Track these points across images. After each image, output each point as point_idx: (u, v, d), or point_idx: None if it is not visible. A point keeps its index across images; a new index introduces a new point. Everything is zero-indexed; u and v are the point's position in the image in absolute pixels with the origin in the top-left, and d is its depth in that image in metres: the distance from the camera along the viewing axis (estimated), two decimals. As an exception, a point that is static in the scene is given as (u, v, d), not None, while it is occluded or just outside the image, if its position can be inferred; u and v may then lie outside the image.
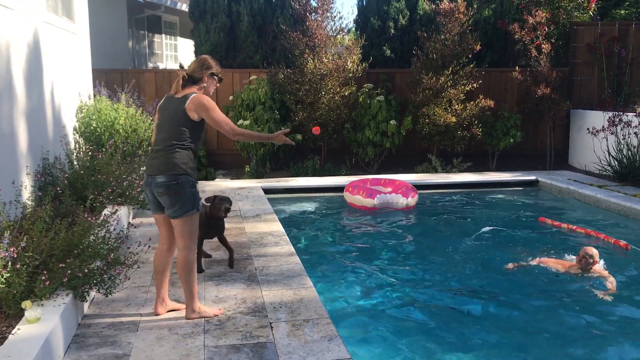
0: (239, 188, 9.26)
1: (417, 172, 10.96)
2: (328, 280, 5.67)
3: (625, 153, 9.79)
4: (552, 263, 5.95)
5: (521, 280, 5.69)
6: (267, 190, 9.17)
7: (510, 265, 5.94)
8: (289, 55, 11.18)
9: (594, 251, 5.68)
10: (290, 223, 7.76)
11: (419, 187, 9.24)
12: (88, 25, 9.33)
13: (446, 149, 11.36)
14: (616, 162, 9.93)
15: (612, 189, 9.12)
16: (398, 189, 8.65)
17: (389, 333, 4.50)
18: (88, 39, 9.35)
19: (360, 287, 5.53)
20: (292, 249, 5.83)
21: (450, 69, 10.72)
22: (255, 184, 9.59)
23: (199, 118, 3.97)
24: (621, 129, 9.88)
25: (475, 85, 10.95)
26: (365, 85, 11.35)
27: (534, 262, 5.97)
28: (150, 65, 16.30)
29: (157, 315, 4.17)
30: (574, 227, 7.48)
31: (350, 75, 10.72)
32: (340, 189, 9.39)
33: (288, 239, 6.20)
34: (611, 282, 5.45)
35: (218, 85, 4.30)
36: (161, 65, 16.91)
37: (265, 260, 5.46)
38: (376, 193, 8.46)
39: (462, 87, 10.86)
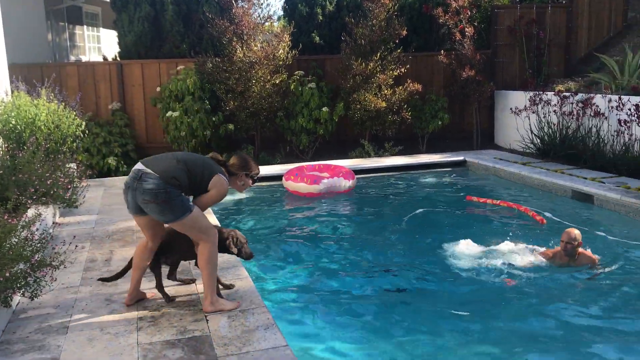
0: (171, 181, 9.07)
1: (351, 158, 11.07)
2: (265, 269, 5.68)
3: (546, 131, 10.24)
4: (542, 256, 5.63)
5: (450, 262, 5.86)
6: (200, 182, 9.03)
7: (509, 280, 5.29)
8: (217, 43, 11.01)
9: (575, 232, 5.44)
10: (226, 214, 7.70)
11: (354, 172, 9.35)
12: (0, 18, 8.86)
13: (378, 134, 11.52)
14: (538, 140, 10.37)
15: (535, 166, 9.53)
16: (336, 173, 8.78)
17: (326, 318, 4.55)
18: (1, 32, 8.88)
19: (298, 274, 5.57)
20: (227, 240, 5.77)
21: (379, 54, 10.86)
22: (187, 177, 9.42)
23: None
24: (542, 108, 10.32)
25: (403, 70, 11.14)
26: (296, 72, 11.33)
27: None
28: (73, 58, 15.67)
29: (127, 305, 4.19)
30: (498, 202, 7.80)
31: (281, 62, 10.68)
32: (276, 177, 9.40)
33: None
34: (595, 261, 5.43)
35: (251, 185, 4.32)
36: (84, 58, 16.28)
37: (199, 253, 5.39)
38: (320, 179, 8.58)
39: (391, 72, 11.03)
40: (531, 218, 7.13)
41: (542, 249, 5.74)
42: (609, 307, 4.69)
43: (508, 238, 6.19)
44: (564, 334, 4.29)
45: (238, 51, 10.31)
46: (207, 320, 3.93)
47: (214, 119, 10.66)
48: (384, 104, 10.89)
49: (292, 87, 11.06)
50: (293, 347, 3.63)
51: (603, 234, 6.46)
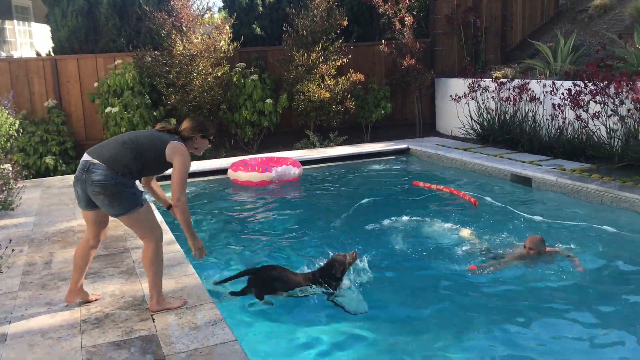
0: (112, 179, 8.83)
1: (296, 149, 11.08)
2: (213, 265, 5.62)
3: (485, 117, 10.51)
4: (509, 258, 5.37)
5: (402, 250, 5.96)
6: (143, 179, 8.84)
7: (474, 268, 5.19)
8: (156, 37, 10.77)
9: (538, 239, 5.31)
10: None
11: (300, 162, 9.35)
12: None
13: (323, 124, 11.56)
14: (478, 126, 10.65)
15: (476, 151, 9.79)
16: (284, 162, 8.84)
17: (274, 312, 4.54)
18: None
19: (246, 267, 5.52)
20: (172, 237, 5.69)
21: (321, 45, 10.88)
22: (130, 174, 9.20)
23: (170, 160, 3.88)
24: (480, 94, 10.59)
25: (345, 60, 11.20)
26: (238, 64, 11.22)
27: (492, 268, 5.23)
28: (3, 54, 15.00)
29: (67, 303, 4.11)
30: (441, 187, 7.99)
31: (222, 55, 10.55)
32: (221, 171, 9.32)
33: (168, 228, 6.04)
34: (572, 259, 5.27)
35: (209, 146, 4.24)
36: (16, 54, 15.62)
37: (144, 252, 5.29)
38: (271, 167, 8.62)
39: (333, 62, 11.08)
40: (466, 201, 7.32)
41: (508, 255, 5.44)
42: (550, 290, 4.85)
43: (452, 223, 6.34)
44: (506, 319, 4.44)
45: (178, 44, 10.12)
46: (153, 320, 3.87)
47: (155, 113, 10.44)
48: (327, 95, 10.93)
49: (234, 79, 10.95)
50: (243, 342, 3.62)
51: (541, 215, 6.69)
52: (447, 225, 6.41)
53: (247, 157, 9.33)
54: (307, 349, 3.96)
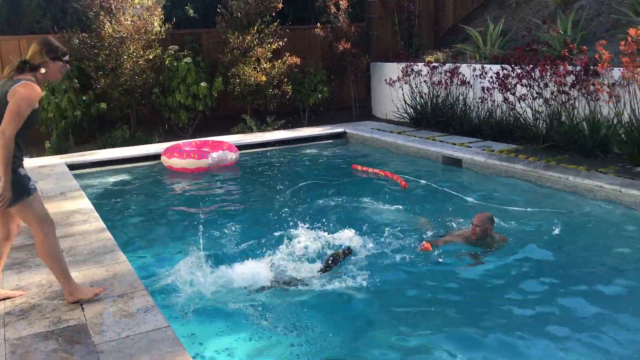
0: (39, 167, 8.51)
1: (233, 133, 10.97)
2: (146, 252, 5.53)
3: (418, 100, 10.73)
4: (456, 238, 5.35)
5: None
6: (72, 166, 8.55)
7: (428, 247, 5.09)
8: (83, 18, 10.37)
9: (486, 216, 5.22)
10: (102, 198, 7.38)
11: (237, 147, 9.28)
12: None
13: (260, 108, 11.49)
14: (411, 109, 10.85)
15: (410, 134, 9.98)
16: (221, 147, 8.73)
17: (211, 298, 4.51)
18: None
19: (180, 253, 5.45)
20: (103, 225, 5.55)
21: (256, 27, 10.77)
22: (58, 161, 8.88)
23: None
24: (413, 78, 10.78)
25: (281, 43, 11.15)
26: (171, 47, 10.97)
27: (442, 242, 5.26)
28: None
29: None
30: (377, 171, 8.12)
31: (154, 37, 10.28)
32: (154, 157, 9.12)
33: (98, 216, 5.88)
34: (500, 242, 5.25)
35: (67, 67, 3.88)
36: None
37: (73, 240, 5.14)
38: (207, 152, 8.49)
39: (269, 45, 11.01)
40: (398, 183, 7.48)
41: (455, 232, 5.48)
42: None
43: (390, 204, 6.46)
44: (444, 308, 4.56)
45: (107, 26, 9.79)
46: (82, 309, 3.77)
47: (84, 98, 10.09)
48: (264, 78, 10.86)
49: (167, 62, 10.70)
50: (177, 328, 3.59)
51: (471, 196, 6.91)
52: (386, 206, 6.52)
53: (180, 142, 9.16)
54: (240, 335, 3.95)
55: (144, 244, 5.75)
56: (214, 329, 4.05)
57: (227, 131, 11.14)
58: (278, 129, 11.21)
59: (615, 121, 7.43)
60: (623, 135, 7.26)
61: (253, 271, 4.79)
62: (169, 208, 7.08)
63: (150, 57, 10.22)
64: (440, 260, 5.01)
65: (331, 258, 4.97)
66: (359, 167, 8.45)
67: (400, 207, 6.47)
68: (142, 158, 9.25)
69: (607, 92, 7.33)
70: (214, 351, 3.76)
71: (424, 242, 5.17)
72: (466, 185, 7.53)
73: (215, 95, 10.99)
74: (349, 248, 5.12)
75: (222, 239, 5.83)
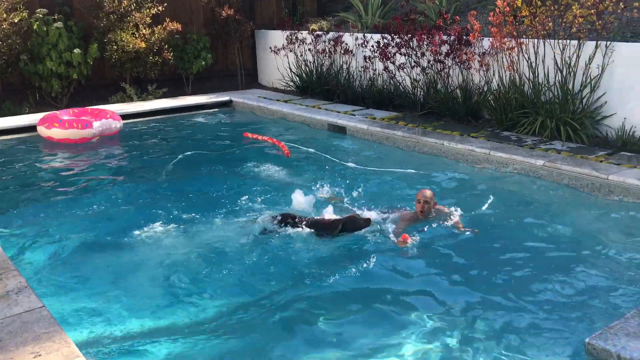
0: None
1: (112, 103, 10.46)
2: (19, 231, 5.19)
3: (303, 69, 10.79)
4: (406, 222, 5.02)
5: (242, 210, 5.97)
6: None
7: (407, 238, 4.67)
8: None
9: (429, 192, 5.11)
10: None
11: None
12: None
13: (140, 76, 11.02)
14: (297, 78, 10.90)
15: (296, 103, 10.05)
16: (100, 115, 8.38)
17: (90, 275, 4.35)
18: None
19: (57, 231, 5.18)
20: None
21: (132, -10, 10.25)
22: None
23: None
24: (298, 47, 10.80)
25: (160, 8, 10.70)
26: (39, 10, 10.14)
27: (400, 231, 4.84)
28: None
29: None
30: (266, 138, 8.11)
31: (18, -1, 9.48)
32: (27, 128, 8.53)
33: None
34: (455, 218, 5.08)
35: None
36: None
37: None
38: (91, 122, 8.12)
39: (147, 10, 10.53)
40: (282, 150, 7.54)
41: (395, 213, 5.17)
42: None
43: (279, 172, 6.50)
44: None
45: (-39, -15, 8.88)
46: (-55, 293, 3.50)
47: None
48: (143, 45, 10.41)
49: (35, 27, 9.91)
50: (53, 308, 3.43)
51: (355, 162, 7.10)
52: (274, 174, 6.57)
53: (58, 112, 8.59)
54: (121, 311, 3.86)
55: (14, 223, 5.38)
56: (93, 308, 3.91)
57: (105, 100, 10.59)
58: (160, 97, 10.83)
59: (485, 88, 7.93)
60: (492, 102, 7.77)
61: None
62: (44, 183, 6.67)
63: (15, 21, 9.43)
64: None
65: (345, 224, 4.70)
66: (250, 135, 8.41)
67: (286, 173, 6.55)
68: (13, 130, 8.60)
69: (478, 60, 7.78)
70: (91, 326, 3.65)
71: (402, 233, 4.70)
72: (350, 151, 7.74)
73: (91, 63, 10.38)
74: (368, 219, 4.78)
75: (100, 214, 5.60)
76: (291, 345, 3.49)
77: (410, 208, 5.24)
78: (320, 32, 10.50)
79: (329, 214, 5.05)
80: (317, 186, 5.93)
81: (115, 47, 10.30)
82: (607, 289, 3.95)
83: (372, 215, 5.07)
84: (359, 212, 5.03)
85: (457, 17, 8.66)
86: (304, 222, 4.91)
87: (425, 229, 4.91)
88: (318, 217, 5.04)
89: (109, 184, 6.63)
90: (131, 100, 10.56)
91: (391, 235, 4.76)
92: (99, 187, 6.49)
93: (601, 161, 6.01)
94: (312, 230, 4.84)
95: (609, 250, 4.49)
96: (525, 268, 4.28)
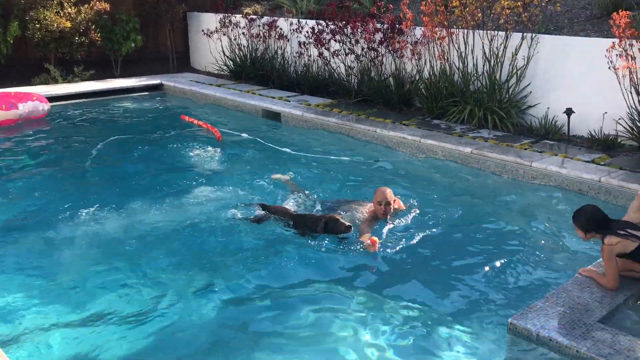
0: None
1: (35, 84, 9.98)
2: None
3: (237, 53, 10.63)
4: (369, 222, 4.77)
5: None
6: None
7: (376, 242, 4.36)
8: None
9: (389, 191, 4.82)
10: None
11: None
12: None
13: (65, 57, 10.54)
14: (231, 62, 10.74)
15: (229, 87, 9.90)
16: (26, 98, 8.05)
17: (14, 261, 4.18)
18: None
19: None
20: None
21: (56, -33, 9.77)
22: None
23: None
24: (232, 30, 10.62)
25: (87, -14, 10.26)
26: (-48, -16, 9.54)
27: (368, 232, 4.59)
28: None
29: None
30: (202, 123, 7.95)
31: None
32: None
33: None
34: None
35: None
36: None
37: None
38: (16, 103, 7.78)
39: (73, -12, 10.08)
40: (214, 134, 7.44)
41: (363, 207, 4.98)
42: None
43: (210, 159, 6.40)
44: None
45: None
46: None
47: None
48: (68, 24, 9.96)
49: (-52, 1, 9.31)
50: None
51: (290, 148, 7.09)
52: (208, 160, 6.47)
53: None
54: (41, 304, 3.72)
55: None
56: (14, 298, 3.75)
57: (28, 82, 10.09)
58: (87, 80, 10.42)
59: (417, 77, 8.07)
60: (423, 90, 7.93)
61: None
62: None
63: None
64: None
65: (327, 222, 4.43)
66: (187, 118, 8.23)
67: (218, 159, 6.47)
68: None
69: (410, 49, 7.91)
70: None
71: (371, 236, 4.41)
72: (285, 138, 7.72)
73: (11, 42, 9.84)
74: (349, 226, 4.43)
75: (29, 198, 5.37)
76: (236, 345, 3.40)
77: (359, 199, 5.21)
78: (254, 16, 10.37)
79: (289, 204, 4.98)
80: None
81: (38, 25, 9.81)
82: (529, 270, 4.14)
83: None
84: (338, 215, 4.60)
85: (391, 5, 8.75)
86: (286, 216, 4.75)
87: (386, 230, 4.66)
88: (300, 212, 4.88)
89: (32, 168, 6.35)
90: (56, 82, 10.11)
91: (363, 240, 4.41)
92: (22, 171, 6.20)
93: (525, 149, 6.26)
94: (293, 225, 4.66)
95: (531, 234, 4.69)
96: (452, 253, 4.41)
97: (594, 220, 3.57)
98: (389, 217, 4.82)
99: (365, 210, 4.93)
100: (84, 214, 4.91)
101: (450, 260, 4.32)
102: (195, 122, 8.06)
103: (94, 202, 5.15)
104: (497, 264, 4.19)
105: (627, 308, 3.46)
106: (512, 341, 3.21)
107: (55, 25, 9.81)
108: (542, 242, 4.56)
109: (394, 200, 4.87)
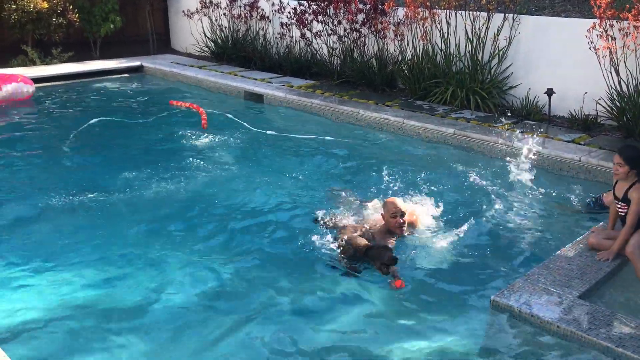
0: None
1: (12, 66, 9.81)
2: None
3: (218, 34, 10.52)
4: (379, 236, 4.13)
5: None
6: None
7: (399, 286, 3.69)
8: None
9: (401, 205, 4.17)
10: None
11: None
12: None
13: (43, 39, 10.36)
14: (212, 43, 10.62)
15: (211, 69, 9.81)
16: (10, 79, 7.99)
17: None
18: None
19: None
20: None
21: (32, -55, 9.54)
22: None
23: None
24: (213, 11, 10.49)
25: (64, -35, 10.05)
26: None
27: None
28: None
29: None
30: (189, 104, 7.88)
31: None
32: None
33: None
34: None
35: None
36: None
37: None
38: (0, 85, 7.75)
39: (49, -33, 9.87)
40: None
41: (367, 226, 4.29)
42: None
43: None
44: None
45: None
46: None
47: None
48: (45, 5, 9.79)
49: None
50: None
51: (272, 130, 7.05)
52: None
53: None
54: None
55: None
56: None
57: (5, 64, 9.92)
58: (66, 61, 10.25)
59: (399, 58, 8.07)
60: (406, 71, 7.93)
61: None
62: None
63: None
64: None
65: (375, 255, 3.70)
66: (175, 103, 8.14)
67: (201, 142, 6.44)
68: None
69: (392, 30, 7.89)
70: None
71: (396, 279, 3.67)
72: (268, 119, 7.68)
73: (-13, 23, 9.66)
74: (395, 259, 3.67)
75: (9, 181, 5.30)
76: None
77: (352, 190, 5.10)
78: (235, -3, 10.24)
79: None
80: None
81: (14, 6, 9.62)
82: (511, 247, 4.20)
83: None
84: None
85: (373, -15, 8.68)
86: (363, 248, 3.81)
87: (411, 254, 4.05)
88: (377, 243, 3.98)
89: (12, 151, 6.26)
90: (34, 64, 9.94)
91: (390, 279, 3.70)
92: (3, 154, 6.12)
93: (507, 129, 6.31)
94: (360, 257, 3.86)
95: (514, 211, 4.74)
96: (441, 230, 4.42)
97: None
98: (405, 231, 4.16)
99: (370, 217, 4.37)
100: (72, 196, 4.86)
101: (431, 239, 4.33)
102: (184, 104, 7.98)
103: (77, 186, 5.10)
104: (480, 242, 4.24)
105: (607, 284, 3.53)
106: (495, 318, 3.26)
107: (32, 5, 9.63)
108: (523, 218, 4.61)
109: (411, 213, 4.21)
